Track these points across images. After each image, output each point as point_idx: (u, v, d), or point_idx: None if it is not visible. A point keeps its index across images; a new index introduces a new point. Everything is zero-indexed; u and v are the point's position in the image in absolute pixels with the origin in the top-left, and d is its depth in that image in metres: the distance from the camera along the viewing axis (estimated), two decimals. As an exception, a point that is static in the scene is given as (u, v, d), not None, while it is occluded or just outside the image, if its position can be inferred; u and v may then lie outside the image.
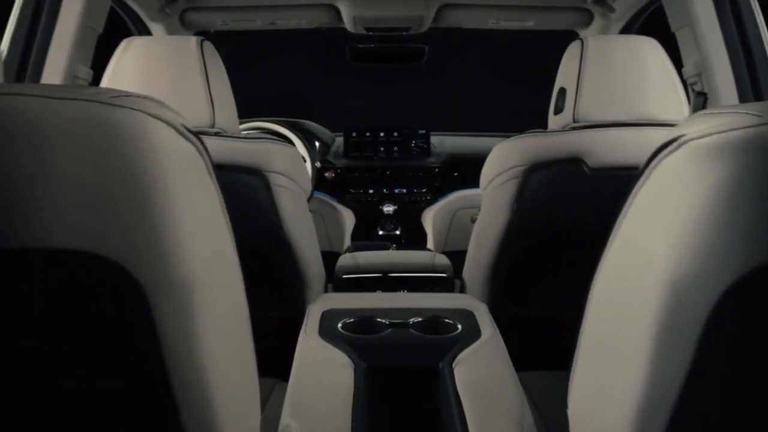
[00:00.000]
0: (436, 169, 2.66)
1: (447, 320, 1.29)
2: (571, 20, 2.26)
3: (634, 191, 0.64)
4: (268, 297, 1.57)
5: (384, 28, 2.29)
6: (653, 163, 0.60)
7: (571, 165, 1.39)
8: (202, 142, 0.58)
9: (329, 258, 2.83)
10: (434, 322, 1.29)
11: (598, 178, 1.39)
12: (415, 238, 2.59)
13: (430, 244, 2.59)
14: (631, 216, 0.64)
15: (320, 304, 1.38)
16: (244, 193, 1.39)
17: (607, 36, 2.02)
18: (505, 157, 1.47)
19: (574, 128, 1.41)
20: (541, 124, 2.78)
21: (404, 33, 2.32)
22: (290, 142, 2.44)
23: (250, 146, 1.38)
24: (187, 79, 1.34)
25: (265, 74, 3.12)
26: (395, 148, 2.70)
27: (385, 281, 1.79)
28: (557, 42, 3.19)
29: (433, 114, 3.21)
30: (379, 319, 1.28)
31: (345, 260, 1.88)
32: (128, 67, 1.34)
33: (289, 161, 1.44)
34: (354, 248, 2.30)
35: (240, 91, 3.23)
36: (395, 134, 2.70)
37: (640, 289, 0.61)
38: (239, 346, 0.71)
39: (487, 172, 1.53)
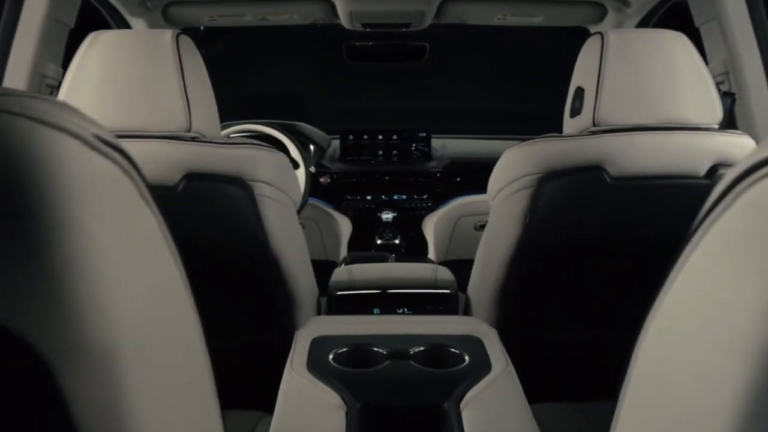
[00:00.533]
0: (438, 174, 2.52)
1: (452, 349, 1.14)
2: (582, 16, 2.11)
3: (704, 221, 0.49)
4: (253, 319, 1.42)
5: (382, 24, 2.14)
6: (737, 189, 0.44)
7: (591, 173, 1.24)
8: (128, 156, 0.43)
9: (325, 267, 2.68)
10: (438, 351, 1.14)
11: (620, 188, 1.24)
12: (416, 247, 2.45)
13: (431, 254, 2.44)
14: (703, 254, 0.49)
15: (310, 329, 1.23)
16: (225, 205, 1.24)
17: (629, 29, 1.87)
18: (516, 165, 1.32)
19: (593, 132, 1.27)
20: (550, 126, 2.63)
21: (404, 30, 2.17)
22: (282, 145, 2.30)
23: (231, 152, 1.23)
24: (160, 77, 1.19)
25: (258, 74, 2.99)
26: (394, 152, 2.56)
27: (383, 299, 1.65)
28: (567, 39, 3.06)
29: (435, 116, 3.07)
30: (375, 349, 1.14)
31: (340, 275, 1.74)
32: (93, 65, 1.19)
33: (276, 169, 1.30)
34: (350, 259, 2.16)
35: (231, 92, 3.08)
36: (394, 137, 2.56)
37: (717, 351, 0.46)
38: (194, 408, 0.55)
39: (495, 181, 1.39)
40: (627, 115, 1.24)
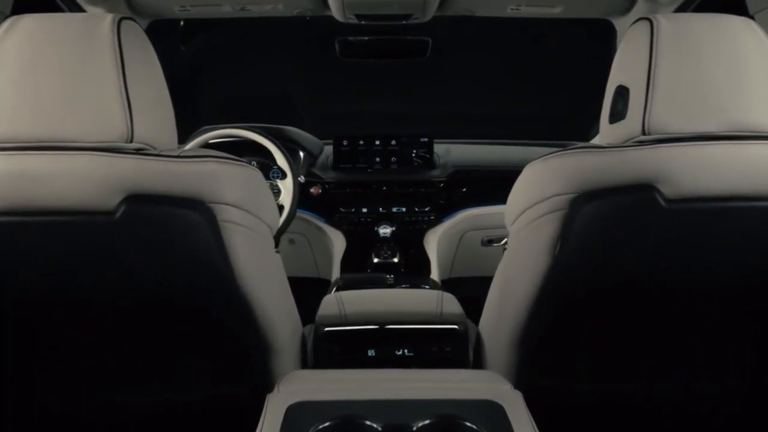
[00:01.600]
0: (441, 184, 2.26)
1: (467, 423, 0.88)
2: (607, 5, 1.86)
3: None
4: (219, 369, 1.17)
5: (379, 16, 1.89)
6: None
7: (640, 194, 0.99)
8: None
9: (317, 285, 2.44)
10: (448, 426, 0.89)
11: (677, 212, 0.99)
12: (417, 266, 2.19)
13: (434, 272, 2.18)
14: None
15: (286, 391, 0.97)
16: (179, 234, 0.98)
17: (686, 15, 1.61)
18: (543, 182, 1.07)
19: (641, 142, 1.01)
20: (568, 131, 2.38)
21: (404, 22, 1.92)
22: (268, 152, 2.04)
23: (187, 168, 0.98)
24: (94, 73, 0.94)
25: (243, 73, 2.74)
26: (393, 159, 2.30)
27: (380, 336, 1.39)
28: (587, 34, 2.80)
29: (438, 119, 2.80)
30: (368, 423, 0.88)
31: (329, 305, 1.48)
32: (10, 55, 0.94)
33: (246, 187, 1.04)
34: (342, 283, 1.90)
35: (213, 93, 2.83)
36: (393, 142, 2.30)
37: None
38: None
39: (516, 202, 1.13)
40: (686, 120, 0.99)
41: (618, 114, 1.05)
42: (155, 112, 1.01)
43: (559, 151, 1.07)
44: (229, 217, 1.01)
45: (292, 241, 2.37)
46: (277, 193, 2.04)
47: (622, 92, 1.05)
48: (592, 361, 1.17)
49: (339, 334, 1.38)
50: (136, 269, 0.98)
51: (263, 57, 2.69)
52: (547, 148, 2.58)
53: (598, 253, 1.03)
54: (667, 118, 0.98)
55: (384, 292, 1.71)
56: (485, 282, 2.66)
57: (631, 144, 1.02)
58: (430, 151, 2.30)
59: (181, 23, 2.51)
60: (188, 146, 2.02)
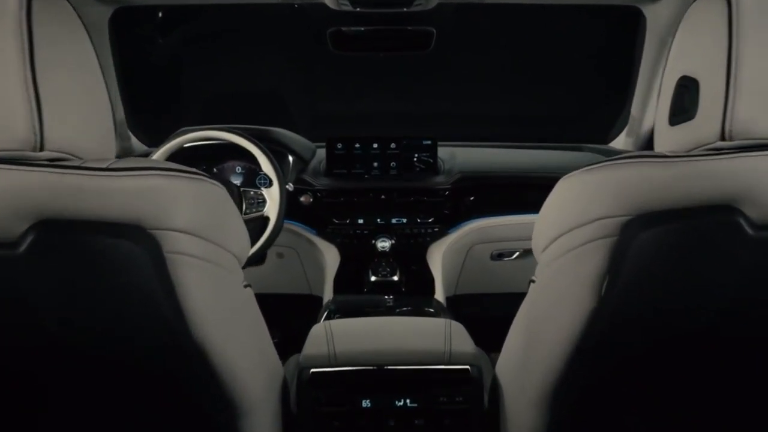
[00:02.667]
0: (446, 192, 2.02)
1: None
2: (634, -10, 1.63)
3: None
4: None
5: (377, 3, 1.65)
6: None
7: (718, 217, 0.76)
8: None
9: (308, 303, 2.20)
10: None
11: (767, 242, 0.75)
12: (419, 284, 1.95)
13: (438, 291, 1.95)
14: None
15: None
16: (110, 270, 0.75)
17: None
18: (584, 200, 0.83)
19: (719, 150, 0.78)
20: (591, 135, 2.12)
21: (404, 10, 1.68)
22: (253, 156, 1.80)
23: (120, 184, 0.74)
24: None
25: (228, 69, 2.50)
26: (392, 164, 2.06)
27: (376, 381, 1.16)
28: (610, 25, 2.56)
29: (442, 120, 2.56)
30: None
31: (316, 341, 1.24)
32: None
33: (202, 208, 0.81)
34: (335, 307, 1.66)
35: (195, 91, 2.58)
36: (392, 145, 2.06)
37: None
38: None
39: (548, 225, 0.90)
40: None
41: (683, 113, 0.82)
42: (80, 112, 0.77)
43: (607, 160, 0.83)
44: (178, 246, 0.77)
45: (280, 255, 2.14)
46: (262, 203, 1.81)
47: (687, 86, 0.82)
48: (643, 422, 0.93)
49: (327, 378, 1.15)
50: (48, 318, 0.75)
51: (250, 52, 2.46)
52: (563, 151, 2.38)
53: (658, 293, 0.80)
54: (755, 118, 0.75)
55: (382, 322, 1.47)
56: (494, 299, 2.43)
57: (705, 152, 0.78)
58: (434, 155, 2.06)
59: (159, 14, 2.27)
60: (158, 152, 1.79)
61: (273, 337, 2.50)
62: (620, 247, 0.78)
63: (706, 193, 0.75)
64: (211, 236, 0.81)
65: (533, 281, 0.96)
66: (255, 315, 0.98)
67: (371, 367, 1.16)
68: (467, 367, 1.16)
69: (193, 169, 0.82)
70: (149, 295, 0.75)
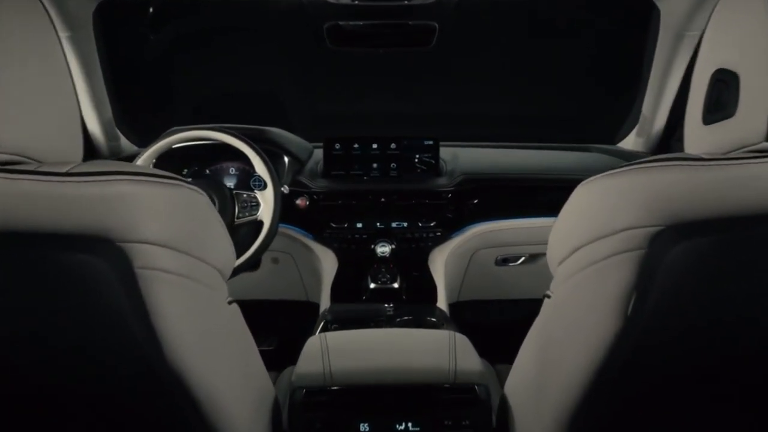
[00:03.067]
0: (449, 195, 1.93)
1: None
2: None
3: None
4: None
5: (376, -5, 1.56)
6: None
7: (763, 229, 0.67)
8: None
9: (304, 310, 2.10)
10: None
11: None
12: (420, 291, 1.86)
13: (441, 298, 1.86)
14: None
15: None
16: (71, 290, 0.66)
17: None
18: (608, 208, 0.74)
19: (764, 153, 0.69)
20: (598, 135, 2.04)
21: (406, 2, 1.59)
22: (245, 157, 1.71)
23: (83, 191, 0.65)
24: None
25: (221, 67, 2.40)
26: (393, 165, 1.97)
27: (374, 401, 1.07)
28: (614, 23, 2.47)
29: (444, 119, 2.46)
30: None
31: (311, 357, 1.15)
32: None
33: (179, 217, 0.72)
34: (331, 317, 1.57)
35: (188, 89, 2.49)
36: (393, 146, 1.96)
37: None
38: None
39: (565, 235, 0.81)
40: None
41: (720, 111, 0.73)
42: (39, 112, 0.68)
43: (633, 163, 0.74)
44: (151, 261, 0.68)
45: (275, 260, 2.05)
46: (255, 206, 1.72)
47: (725, 80, 0.72)
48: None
49: (322, 399, 1.06)
50: None
51: (245, 48, 2.36)
52: (569, 152, 2.29)
53: (694, 314, 0.71)
54: None
55: (381, 334, 1.38)
56: (499, 306, 2.35)
57: (748, 154, 0.69)
58: (436, 155, 1.97)
59: (150, 9, 2.18)
60: (146, 153, 1.70)
61: (269, 345, 2.43)
62: (650, 261, 0.70)
63: (750, 201, 0.66)
64: (190, 249, 0.72)
65: (548, 296, 0.87)
66: (241, 334, 0.89)
67: (370, 387, 1.07)
68: (474, 386, 1.07)
69: (168, 173, 0.73)
70: (118, 317, 0.66)
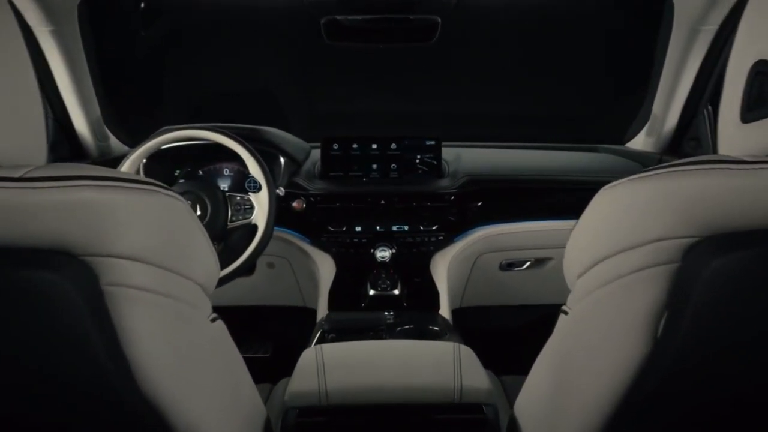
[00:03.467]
0: (452, 197, 1.84)
1: None
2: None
3: None
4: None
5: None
6: None
7: None
8: None
9: (302, 316, 2.01)
10: None
11: None
12: (422, 297, 1.78)
13: (443, 305, 1.77)
14: None
15: None
16: (29, 310, 0.58)
17: None
18: (635, 216, 0.66)
19: None
20: (606, 135, 1.97)
21: (406, -4, 1.51)
22: (239, 158, 1.63)
23: (40, 199, 0.57)
24: None
25: (216, 64, 2.32)
26: (393, 166, 1.89)
27: (373, 423, 0.99)
28: (622, 21, 2.37)
29: (446, 119, 2.38)
30: None
31: (305, 373, 1.07)
32: None
33: (152, 227, 0.64)
34: (328, 326, 1.49)
35: (181, 88, 2.41)
36: (393, 146, 1.89)
37: None
38: None
39: (585, 245, 0.73)
40: None
41: (762, 107, 0.64)
42: None
43: (662, 167, 0.66)
44: (122, 277, 0.60)
45: (270, 265, 1.98)
46: (249, 209, 1.64)
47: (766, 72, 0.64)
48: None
49: (316, 421, 0.98)
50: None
51: (241, 45, 2.28)
52: (576, 152, 2.21)
53: (735, 336, 0.63)
54: None
55: (380, 347, 1.30)
56: (503, 312, 2.27)
57: None
58: (438, 156, 1.89)
59: (141, 4, 2.10)
60: (135, 154, 1.62)
61: (264, 352, 2.36)
62: (684, 276, 0.62)
63: None
64: (166, 262, 0.64)
65: (565, 312, 0.79)
66: (226, 355, 0.81)
67: (368, 406, 0.99)
68: (481, 405, 0.99)
69: (142, 177, 0.65)
70: (82, 341, 0.59)
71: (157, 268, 0.63)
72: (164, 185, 0.67)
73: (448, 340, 1.45)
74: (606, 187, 0.72)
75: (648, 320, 0.65)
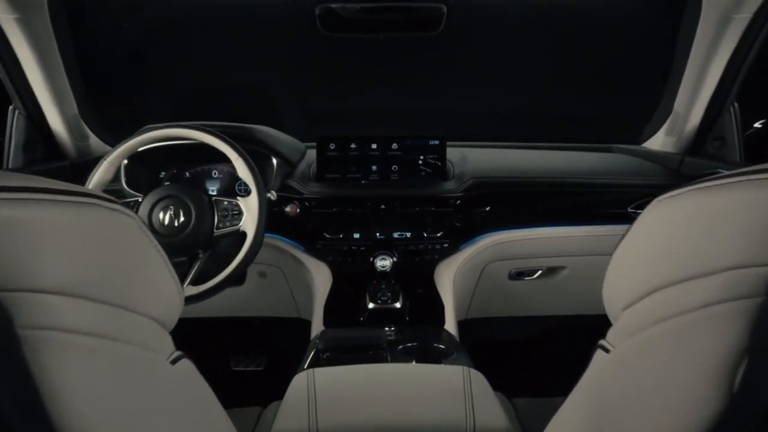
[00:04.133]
0: (458, 201, 1.71)
1: None
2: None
3: None
4: None
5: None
6: None
7: None
8: None
9: (296, 328, 1.84)
10: None
11: None
12: (425, 310, 1.64)
13: (449, 319, 1.64)
14: None
15: None
16: None
17: None
18: (699, 237, 0.52)
19: None
20: (620, 135, 1.91)
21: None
22: (227, 159, 1.50)
23: None
24: None
25: (205, 58, 2.19)
26: (394, 168, 1.75)
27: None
28: (641, 14, 2.23)
29: (450, 117, 2.25)
30: None
31: (295, 403, 0.93)
32: None
33: (87, 251, 0.49)
34: (323, 345, 1.35)
35: (165, 84, 2.26)
36: (394, 146, 1.75)
37: None
38: None
39: (633, 271, 0.59)
40: None
41: None
42: None
43: (730, 174, 0.52)
44: (45, 318, 0.46)
45: (262, 274, 1.84)
46: (237, 215, 1.50)
47: None
48: None
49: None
50: None
51: (231, 37, 2.15)
52: (589, 152, 2.08)
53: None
54: None
55: (380, 373, 1.15)
56: (512, 323, 2.13)
57: None
58: (443, 157, 1.76)
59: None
60: (113, 154, 1.49)
61: (256, 366, 2.23)
62: None
63: None
64: (109, 295, 0.51)
65: (605, 349, 0.65)
66: (193, 399, 0.67)
67: None
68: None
69: (78, 187, 0.52)
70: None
71: (96, 304, 0.49)
72: (107, 196, 0.54)
73: (456, 360, 1.32)
74: (660, 198, 0.59)
75: (721, 368, 0.51)
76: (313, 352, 1.34)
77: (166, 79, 2.21)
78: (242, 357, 2.19)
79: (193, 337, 2.36)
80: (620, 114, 2.20)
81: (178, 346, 0.64)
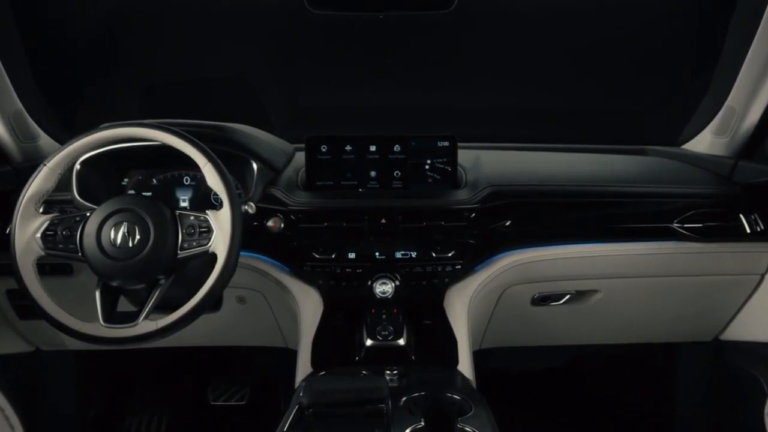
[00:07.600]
0: (471, 214, 1.48)
1: None
2: None
3: None
4: None
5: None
6: None
7: None
8: None
9: (284, 355, 1.67)
10: None
11: None
12: (434, 346, 1.41)
13: (462, 355, 1.41)
14: None
15: None
16: None
17: None
18: None
19: None
20: (655, 135, 1.79)
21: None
22: (195, 166, 1.24)
23: None
24: None
25: (180, 48, 2.01)
26: (396, 174, 1.53)
27: None
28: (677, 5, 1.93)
29: (462, 114, 2.08)
30: None
31: None
32: None
33: None
34: (308, 401, 1.09)
35: (133, 76, 2.01)
36: (396, 148, 1.53)
37: None
38: None
39: None
40: None
41: None
42: None
43: None
44: None
45: (241, 300, 1.62)
46: (205, 232, 1.24)
47: None
48: None
49: None
50: None
51: (209, 21, 1.97)
52: (621, 155, 1.84)
53: None
54: None
55: None
56: (534, 354, 1.89)
57: None
58: (453, 160, 1.53)
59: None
60: (53, 160, 1.25)
61: (239, 400, 2.03)
62: None
63: None
64: None
65: None
66: None
67: None
68: None
69: None
70: None
71: None
72: None
73: (474, 418, 1.09)
74: None
75: None
76: (295, 410, 1.08)
77: (134, 69, 2.04)
78: (222, 390, 2.04)
79: (167, 368, 2.07)
80: (654, 111, 2.04)
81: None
